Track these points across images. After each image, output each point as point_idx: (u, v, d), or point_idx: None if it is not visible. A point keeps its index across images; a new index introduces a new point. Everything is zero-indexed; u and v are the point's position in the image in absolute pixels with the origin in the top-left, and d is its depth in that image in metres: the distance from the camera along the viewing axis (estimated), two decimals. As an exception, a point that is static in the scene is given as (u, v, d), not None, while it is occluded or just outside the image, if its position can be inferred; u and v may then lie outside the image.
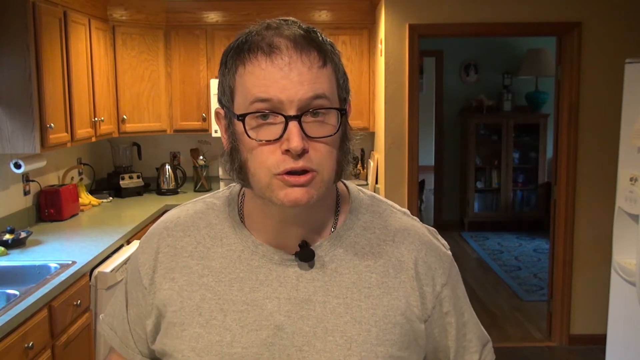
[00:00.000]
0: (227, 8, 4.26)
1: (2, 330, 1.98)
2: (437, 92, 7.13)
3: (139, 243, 1.02)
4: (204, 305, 0.91)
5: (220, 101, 0.90)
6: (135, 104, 4.18)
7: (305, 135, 0.82)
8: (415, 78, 3.86)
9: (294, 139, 0.81)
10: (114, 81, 4.06)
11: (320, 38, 0.85)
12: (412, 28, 3.79)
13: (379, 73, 4.08)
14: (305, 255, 0.90)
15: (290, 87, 0.81)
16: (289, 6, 4.10)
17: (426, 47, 6.33)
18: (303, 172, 0.83)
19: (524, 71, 6.71)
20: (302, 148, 0.81)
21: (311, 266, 0.91)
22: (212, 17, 4.28)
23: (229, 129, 0.88)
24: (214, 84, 4.17)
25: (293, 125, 0.81)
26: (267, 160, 0.83)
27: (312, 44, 0.84)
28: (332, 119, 0.85)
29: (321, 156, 0.84)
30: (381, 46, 3.93)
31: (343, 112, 0.86)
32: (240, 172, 0.88)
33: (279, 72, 0.81)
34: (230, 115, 0.87)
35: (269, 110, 0.82)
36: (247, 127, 0.83)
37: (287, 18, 0.87)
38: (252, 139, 0.83)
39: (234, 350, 0.89)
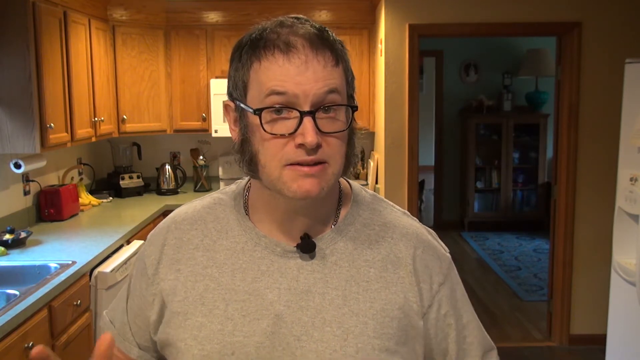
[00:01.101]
0: (227, 8, 4.26)
1: (2, 330, 1.98)
2: (437, 92, 7.13)
3: (148, 237, 1.05)
4: (207, 295, 0.93)
5: (230, 94, 0.92)
6: (135, 104, 4.18)
7: (319, 130, 0.84)
8: (415, 78, 3.86)
9: (309, 134, 0.83)
10: (114, 81, 4.06)
11: (332, 37, 0.88)
12: (412, 28, 3.79)
13: (379, 73, 4.08)
14: (306, 247, 0.93)
15: (305, 82, 0.84)
16: (289, 6, 4.11)
17: (426, 47, 6.33)
18: (315, 163, 0.85)
19: (524, 71, 6.71)
20: (317, 143, 0.84)
21: (312, 258, 0.93)
22: (212, 17, 4.28)
23: (241, 121, 0.90)
24: (214, 84, 4.17)
25: (307, 121, 0.84)
26: (279, 153, 0.86)
27: (325, 43, 0.86)
28: (342, 114, 0.88)
29: (332, 150, 0.87)
30: (381, 46, 3.93)
31: (355, 109, 0.89)
32: (251, 164, 0.90)
33: (295, 69, 0.84)
34: (241, 108, 0.89)
35: (284, 105, 0.84)
36: (262, 121, 0.85)
37: (299, 16, 0.90)
38: (268, 132, 0.85)
39: (235, 339, 0.90)
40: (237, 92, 0.90)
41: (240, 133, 0.91)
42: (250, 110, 0.87)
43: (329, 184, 0.88)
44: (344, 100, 0.88)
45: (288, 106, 0.84)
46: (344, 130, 0.88)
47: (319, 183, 0.86)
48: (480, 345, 1.02)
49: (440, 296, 0.96)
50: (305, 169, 0.85)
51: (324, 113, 0.85)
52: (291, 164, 0.85)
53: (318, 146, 0.84)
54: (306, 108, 0.84)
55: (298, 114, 0.84)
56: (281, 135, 0.85)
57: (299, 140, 0.84)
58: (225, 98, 0.95)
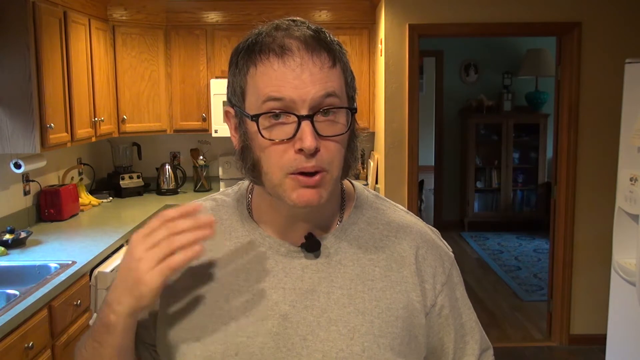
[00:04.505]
0: (227, 8, 4.26)
1: (2, 330, 1.98)
2: (437, 92, 7.13)
3: None
4: (208, 296, 0.93)
5: (230, 100, 0.91)
6: (135, 104, 4.18)
7: (317, 134, 0.83)
8: (415, 78, 3.86)
9: (307, 139, 0.82)
10: (114, 81, 4.06)
11: (329, 38, 0.87)
12: (412, 28, 3.79)
13: (379, 73, 4.08)
14: (311, 246, 0.92)
15: (302, 86, 0.82)
16: (289, 6, 4.10)
17: (426, 47, 6.33)
18: (314, 172, 0.85)
19: (524, 71, 6.71)
20: (315, 147, 0.83)
21: (317, 256, 0.93)
22: (212, 17, 4.28)
23: (240, 127, 0.90)
24: (214, 84, 4.17)
25: (305, 125, 0.83)
26: (280, 160, 0.85)
27: (321, 44, 0.85)
28: (342, 117, 0.87)
29: (331, 154, 0.86)
30: (381, 46, 3.93)
31: (354, 111, 0.88)
32: (254, 170, 0.89)
33: (291, 72, 0.83)
34: (241, 114, 0.89)
35: (281, 110, 0.83)
36: (260, 127, 0.84)
37: (295, 18, 0.88)
38: (266, 138, 0.84)
39: (238, 340, 0.90)
40: (236, 98, 0.89)
41: (240, 140, 0.90)
42: (248, 116, 0.86)
43: (328, 191, 0.87)
44: (344, 102, 0.87)
45: (286, 111, 0.83)
46: (343, 134, 0.86)
47: (318, 193, 0.86)
48: (478, 344, 1.02)
49: (443, 296, 0.96)
50: (305, 180, 0.85)
51: (322, 116, 0.84)
52: (292, 173, 0.84)
53: (317, 150, 0.83)
54: (304, 112, 0.83)
55: (296, 119, 0.83)
56: (280, 140, 0.84)
57: (297, 145, 0.83)
58: (225, 98, 0.95)
